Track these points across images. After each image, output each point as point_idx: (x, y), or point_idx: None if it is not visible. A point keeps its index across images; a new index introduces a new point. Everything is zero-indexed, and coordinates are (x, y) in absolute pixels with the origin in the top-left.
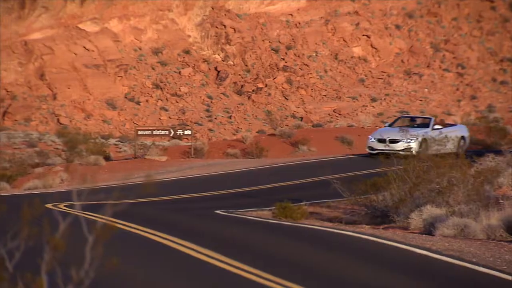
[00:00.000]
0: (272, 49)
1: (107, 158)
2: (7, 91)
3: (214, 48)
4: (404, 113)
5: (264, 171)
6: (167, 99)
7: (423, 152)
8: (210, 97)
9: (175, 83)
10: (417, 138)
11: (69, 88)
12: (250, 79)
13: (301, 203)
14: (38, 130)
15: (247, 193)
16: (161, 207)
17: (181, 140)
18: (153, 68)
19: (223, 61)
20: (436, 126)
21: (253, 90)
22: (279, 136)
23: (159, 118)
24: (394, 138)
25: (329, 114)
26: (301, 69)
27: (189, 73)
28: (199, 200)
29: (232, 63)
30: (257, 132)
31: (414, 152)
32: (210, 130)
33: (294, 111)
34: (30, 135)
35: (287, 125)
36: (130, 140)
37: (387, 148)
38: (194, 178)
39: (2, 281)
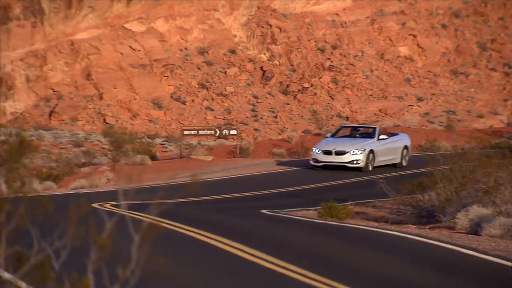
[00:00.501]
0: (318, 49)
1: (153, 158)
2: (54, 91)
3: (259, 47)
4: (450, 112)
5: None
6: (212, 99)
7: (370, 164)
8: (255, 97)
9: (221, 82)
10: (364, 150)
11: (115, 88)
12: (296, 78)
13: (347, 203)
14: (85, 130)
15: (292, 193)
16: (207, 206)
17: (226, 139)
18: (199, 68)
19: (268, 60)
20: (382, 136)
21: (298, 90)
22: (324, 136)
23: (205, 118)
24: (340, 149)
25: (375, 114)
26: (347, 69)
27: (235, 73)
28: (245, 200)
29: (277, 62)
30: (302, 131)
31: (361, 165)
32: (256, 129)
33: (340, 111)
34: (77, 134)
35: (333, 125)
36: (176, 139)
37: (334, 160)
38: (239, 178)
39: (49, 281)
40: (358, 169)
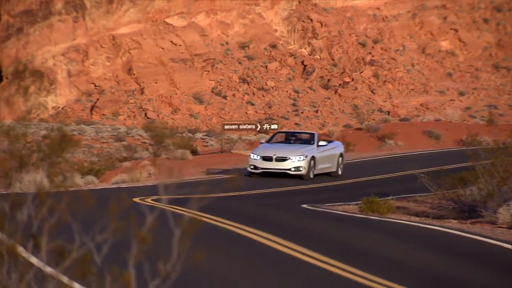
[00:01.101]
0: (359, 43)
1: (194, 152)
2: (95, 86)
3: (300, 42)
4: (492, 107)
5: (351, 166)
6: (253, 93)
7: (311, 171)
8: (296, 91)
9: (262, 77)
10: (306, 156)
11: (156, 83)
12: (337, 73)
13: (388, 198)
14: (126, 124)
15: (333, 187)
16: (247, 201)
17: (267, 134)
18: (239, 63)
19: (309, 55)
20: (321, 143)
21: (339, 84)
22: (365, 130)
23: (246, 112)
24: (282, 155)
25: (416, 108)
26: (388, 63)
27: (276, 67)
28: (285, 194)
29: (318, 57)
30: (343, 126)
31: (303, 172)
32: (297, 124)
33: (381, 105)
34: (118, 129)
35: (374, 119)
36: (216, 134)
37: (274, 167)
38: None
39: (90, 275)
40: (299, 177)
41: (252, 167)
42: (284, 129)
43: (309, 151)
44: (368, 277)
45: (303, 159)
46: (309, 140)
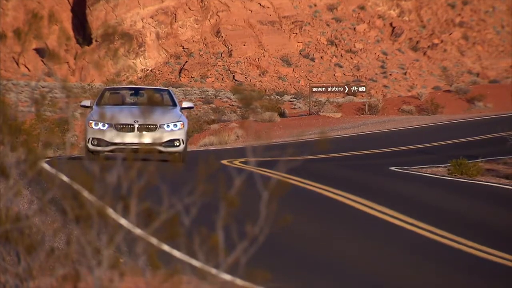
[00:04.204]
0: (448, 4)
1: (282, 115)
2: (184, 48)
3: (389, 4)
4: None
5: (439, 128)
6: (341, 56)
7: (186, 148)
8: (385, 53)
9: (350, 39)
10: (182, 124)
11: (244, 45)
12: (426, 35)
13: (477, 160)
14: (214, 87)
15: (421, 150)
16: (335, 163)
17: (355, 96)
18: (328, 25)
19: (398, 17)
20: (186, 104)
21: (428, 46)
22: (454, 93)
23: (334, 75)
24: (148, 122)
25: (506, 70)
26: (478, 25)
27: (364, 29)
28: (374, 157)
29: (407, 19)
30: (432, 88)
31: (181, 148)
32: (385, 86)
33: (470, 67)
34: (206, 91)
35: (463, 81)
36: (304, 97)
37: (136, 141)
38: (368, 135)
39: (179, 237)
40: (169, 156)
41: (94, 142)
42: (372, 92)
43: (180, 116)
44: (458, 240)
45: (179, 129)
46: (162, 101)
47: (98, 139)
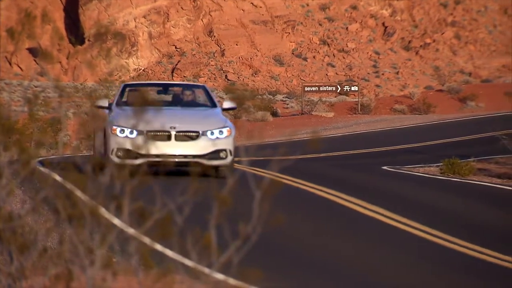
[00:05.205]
0: (440, 4)
1: (274, 114)
2: (176, 48)
3: (381, 3)
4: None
5: (431, 127)
6: (334, 55)
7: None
8: (377, 53)
9: (342, 39)
10: (229, 129)
11: (237, 45)
12: (418, 34)
13: (469, 159)
14: None
15: (414, 149)
16: (328, 163)
17: (347, 96)
18: (320, 24)
19: (390, 16)
20: (227, 104)
21: (420, 46)
22: (446, 92)
23: (326, 74)
24: (188, 128)
25: (498, 70)
26: (470, 24)
27: (356, 29)
28: (366, 156)
29: (399, 18)
30: (424, 88)
31: (228, 161)
32: (377, 86)
33: (463, 67)
34: None
35: (455, 81)
36: (297, 96)
37: (174, 152)
38: (360, 134)
39: (172, 236)
40: (215, 170)
41: (120, 154)
42: (364, 91)
43: (225, 120)
44: (452, 240)
45: (226, 136)
46: (199, 99)
47: (125, 150)
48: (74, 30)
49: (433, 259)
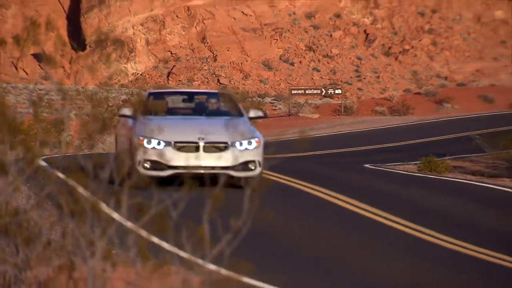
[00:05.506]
0: (418, 13)
1: (263, 116)
2: (172, 53)
3: (363, 12)
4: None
5: (410, 128)
6: (319, 60)
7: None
8: (359, 58)
9: (327, 45)
10: (258, 140)
11: (228, 51)
12: (397, 41)
13: (445, 158)
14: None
15: (393, 148)
16: (314, 161)
17: (332, 98)
18: (306, 31)
19: (371, 24)
20: (254, 112)
21: (400, 52)
22: (424, 95)
23: (312, 78)
24: (216, 139)
25: (472, 74)
26: (446, 32)
27: (340, 36)
28: (349, 155)
29: (380, 26)
30: (403, 91)
31: (257, 172)
32: (359, 89)
33: (439, 71)
34: None
35: (432, 84)
36: (284, 98)
37: (202, 163)
38: (344, 134)
39: (167, 229)
40: (242, 181)
41: (147, 165)
42: (347, 94)
43: (254, 130)
44: (428, 232)
45: (255, 147)
46: (225, 107)
47: (153, 162)
48: (76, 37)
49: (397, 246)
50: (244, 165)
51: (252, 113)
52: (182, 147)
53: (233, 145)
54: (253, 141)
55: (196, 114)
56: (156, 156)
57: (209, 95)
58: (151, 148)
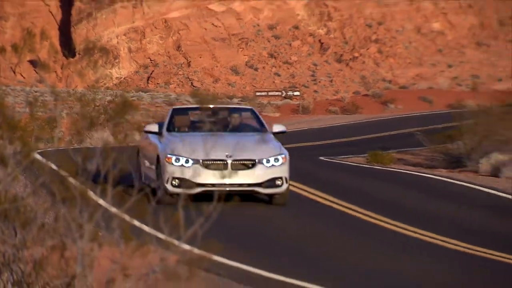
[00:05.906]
0: (366, 25)
1: (285, 131)
2: (151, 60)
3: (318, 24)
4: (475, 77)
5: (360, 125)
6: (279, 66)
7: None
8: (315, 64)
9: (286, 53)
10: (284, 156)
11: (200, 58)
12: (348, 49)
13: (390, 151)
14: (176, 92)
15: (345, 143)
16: None
17: (291, 99)
18: (268, 41)
19: (325, 34)
20: (277, 127)
21: (350, 59)
22: (371, 96)
23: (273, 82)
24: (245, 157)
25: (413, 78)
26: (390, 41)
27: (298, 45)
28: (306, 149)
29: (333, 36)
30: (353, 93)
31: (283, 189)
32: (315, 91)
33: (384, 76)
34: (169, 95)
35: (378, 87)
36: (249, 99)
37: (230, 181)
38: (302, 131)
39: (147, 214)
40: (271, 199)
41: (175, 183)
42: (305, 96)
43: (280, 147)
44: (372, 215)
45: (282, 163)
46: (249, 122)
47: (181, 179)
48: (67, 46)
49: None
50: (271, 182)
51: (276, 128)
52: (210, 164)
53: (260, 162)
54: (279, 157)
55: (221, 130)
56: (184, 174)
57: (232, 110)
58: (179, 166)
